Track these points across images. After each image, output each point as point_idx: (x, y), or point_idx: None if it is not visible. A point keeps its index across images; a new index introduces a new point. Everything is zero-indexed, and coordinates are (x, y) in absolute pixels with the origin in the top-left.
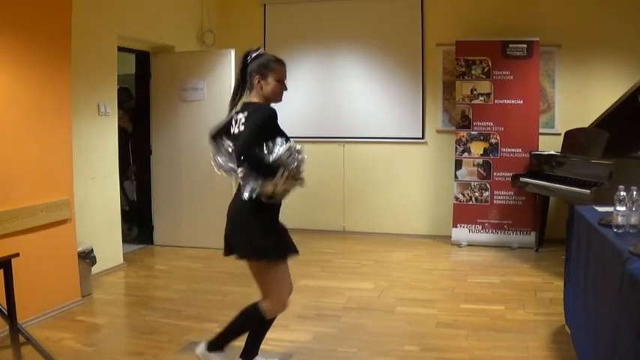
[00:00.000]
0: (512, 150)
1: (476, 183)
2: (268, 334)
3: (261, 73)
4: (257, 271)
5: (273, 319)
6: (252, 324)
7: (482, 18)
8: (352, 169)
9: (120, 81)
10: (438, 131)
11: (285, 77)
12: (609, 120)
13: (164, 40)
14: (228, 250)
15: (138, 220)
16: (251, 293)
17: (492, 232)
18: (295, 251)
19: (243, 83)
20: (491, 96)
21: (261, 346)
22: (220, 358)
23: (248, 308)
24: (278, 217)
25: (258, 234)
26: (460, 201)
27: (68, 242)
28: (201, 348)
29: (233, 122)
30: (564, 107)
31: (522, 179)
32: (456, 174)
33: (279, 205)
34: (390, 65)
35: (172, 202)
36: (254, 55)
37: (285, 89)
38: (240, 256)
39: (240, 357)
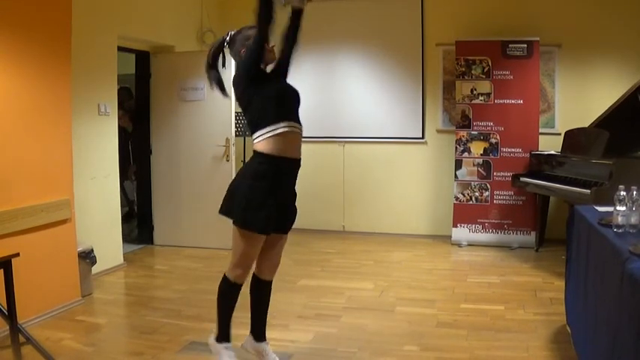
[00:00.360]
0: (512, 150)
1: (476, 183)
2: (268, 334)
3: (245, 44)
4: (235, 232)
5: (238, 286)
6: (230, 296)
7: (482, 18)
8: (352, 169)
9: (120, 81)
10: (438, 131)
11: None
12: (609, 120)
13: (164, 40)
14: (221, 209)
15: (138, 220)
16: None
17: (492, 232)
18: (274, 230)
19: (214, 66)
20: (491, 96)
21: None
22: (224, 349)
23: (219, 286)
24: (281, 190)
25: (245, 198)
26: (460, 201)
27: (68, 242)
28: (211, 338)
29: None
30: (564, 107)
31: (522, 179)
32: (456, 174)
33: (293, 166)
34: (390, 65)
35: (172, 202)
36: (228, 38)
37: (274, 45)
38: (220, 210)
39: (215, 336)
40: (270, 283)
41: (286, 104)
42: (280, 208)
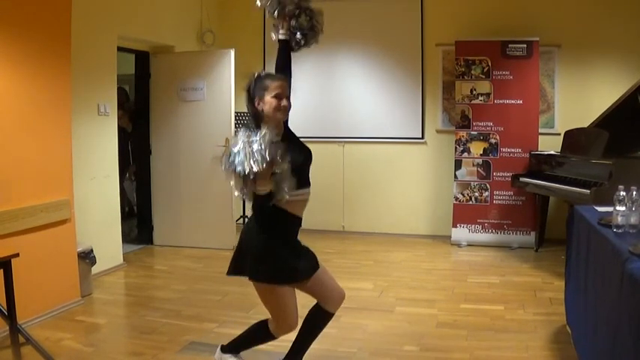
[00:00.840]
0: (512, 150)
1: (475, 183)
2: None
3: (259, 94)
4: (259, 291)
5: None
6: (260, 338)
7: (482, 18)
8: (352, 169)
9: (119, 81)
10: (438, 131)
11: (282, 91)
12: (609, 120)
13: (164, 40)
14: (232, 270)
15: (137, 221)
16: (250, 293)
17: (492, 232)
18: (303, 276)
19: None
20: (491, 96)
21: (261, 346)
22: (233, 357)
23: (259, 323)
24: (294, 236)
25: (261, 255)
26: (460, 201)
27: (68, 242)
28: (217, 352)
29: None
30: (564, 107)
31: (522, 179)
32: (455, 174)
33: (299, 224)
34: (390, 65)
35: (172, 202)
36: (253, 84)
37: (284, 104)
38: (233, 271)
39: (220, 345)
40: (331, 315)
41: (302, 173)
42: (292, 254)
